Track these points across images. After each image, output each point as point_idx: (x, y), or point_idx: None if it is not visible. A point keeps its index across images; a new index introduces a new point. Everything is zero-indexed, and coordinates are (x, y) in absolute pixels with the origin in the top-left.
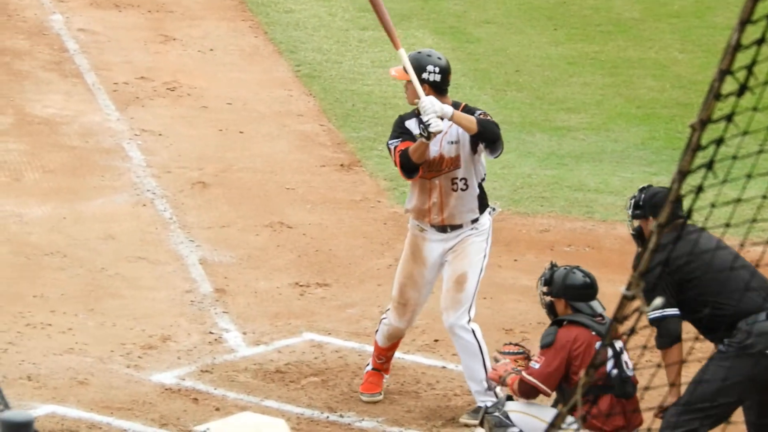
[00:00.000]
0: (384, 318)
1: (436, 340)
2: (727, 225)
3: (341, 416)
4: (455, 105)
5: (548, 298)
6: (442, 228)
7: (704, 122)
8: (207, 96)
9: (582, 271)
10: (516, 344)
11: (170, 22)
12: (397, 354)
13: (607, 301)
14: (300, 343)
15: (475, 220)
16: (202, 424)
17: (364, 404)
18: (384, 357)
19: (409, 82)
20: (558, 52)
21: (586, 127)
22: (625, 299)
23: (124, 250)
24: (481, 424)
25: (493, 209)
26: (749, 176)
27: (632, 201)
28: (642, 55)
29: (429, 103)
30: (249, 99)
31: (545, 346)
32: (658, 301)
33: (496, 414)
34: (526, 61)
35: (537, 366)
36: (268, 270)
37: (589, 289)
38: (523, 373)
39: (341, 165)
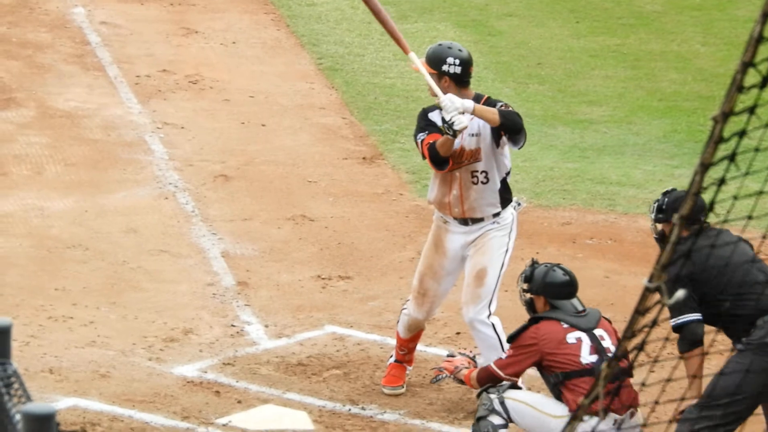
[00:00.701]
0: (404, 308)
1: (458, 333)
2: (750, 217)
3: (363, 409)
4: (477, 97)
5: (528, 296)
6: (464, 221)
7: (726, 114)
8: (229, 89)
9: (562, 268)
10: (470, 351)
11: (192, 15)
12: (420, 346)
13: (629, 293)
14: (322, 336)
15: (496, 214)
16: (224, 417)
17: (385, 397)
18: (406, 348)
19: (432, 74)
20: (580, 44)
21: (608, 120)
22: (648, 291)
23: (145, 243)
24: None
25: (519, 204)
26: None
27: (656, 205)
28: (664, 48)
29: (449, 101)
30: (271, 92)
31: (509, 341)
32: (681, 293)
33: (493, 396)
34: (548, 54)
35: (503, 357)
36: (290, 263)
37: (568, 287)
38: (491, 364)
39: (363, 158)
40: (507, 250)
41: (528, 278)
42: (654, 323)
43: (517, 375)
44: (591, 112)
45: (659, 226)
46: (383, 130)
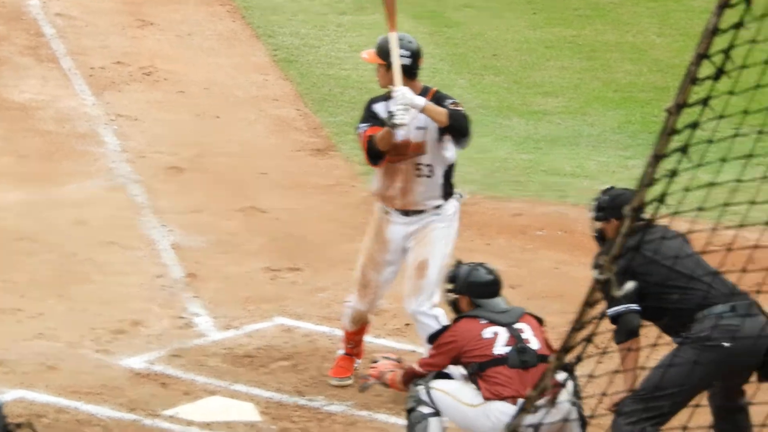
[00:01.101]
0: (348, 302)
1: (406, 324)
2: (700, 209)
3: (310, 400)
4: (425, 90)
5: (452, 296)
6: (405, 212)
7: (680, 106)
8: (184, 81)
9: (486, 267)
10: (394, 353)
11: (148, 7)
12: (368, 338)
13: (579, 285)
14: (270, 328)
15: (438, 207)
16: (170, 409)
17: (333, 388)
18: (353, 341)
19: (381, 65)
20: (536, 36)
21: (563, 111)
22: (597, 283)
23: (95, 235)
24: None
25: (461, 196)
26: (724, 160)
27: (595, 204)
28: (619, 39)
29: (401, 95)
30: (226, 84)
31: (430, 341)
32: (630, 284)
33: (420, 388)
34: (504, 46)
35: (427, 357)
36: (239, 255)
37: (492, 286)
38: (414, 364)
39: (317, 150)
40: (449, 242)
41: (452, 278)
42: (603, 315)
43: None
44: (546, 103)
45: (598, 224)
46: (337, 121)
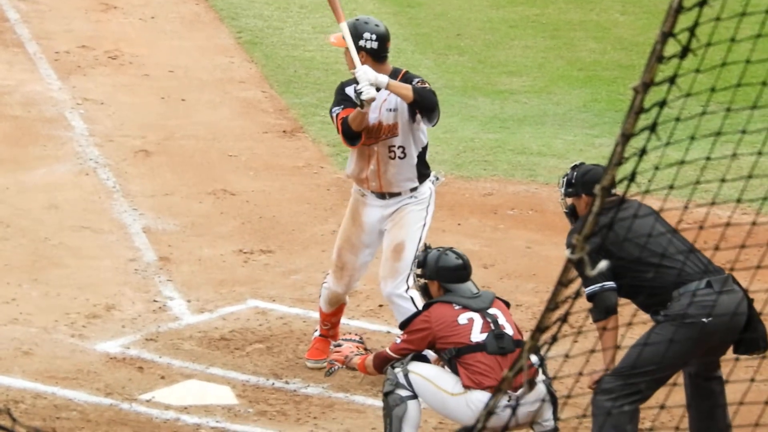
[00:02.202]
0: (324, 283)
1: (380, 306)
2: (671, 187)
3: (287, 383)
4: (395, 72)
5: (422, 281)
6: (381, 195)
7: (647, 85)
8: (148, 64)
9: (455, 252)
10: (355, 334)
11: None
12: (342, 320)
13: (551, 264)
14: (244, 310)
15: (414, 189)
16: (147, 393)
17: (309, 371)
18: (329, 323)
19: (348, 49)
20: (499, 15)
21: (528, 90)
22: (570, 263)
23: (67, 219)
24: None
25: (437, 178)
26: (693, 138)
27: (564, 179)
28: (583, 18)
29: (363, 73)
30: (190, 66)
31: (402, 327)
32: (603, 263)
33: (397, 370)
34: (468, 25)
35: (398, 341)
36: (211, 237)
37: (462, 271)
38: (387, 349)
39: (284, 131)
40: (425, 224)
41: (421, 263)
42: (577, 294)
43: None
44: (511, 83)
45: (569, 201)
46: (303, 103)
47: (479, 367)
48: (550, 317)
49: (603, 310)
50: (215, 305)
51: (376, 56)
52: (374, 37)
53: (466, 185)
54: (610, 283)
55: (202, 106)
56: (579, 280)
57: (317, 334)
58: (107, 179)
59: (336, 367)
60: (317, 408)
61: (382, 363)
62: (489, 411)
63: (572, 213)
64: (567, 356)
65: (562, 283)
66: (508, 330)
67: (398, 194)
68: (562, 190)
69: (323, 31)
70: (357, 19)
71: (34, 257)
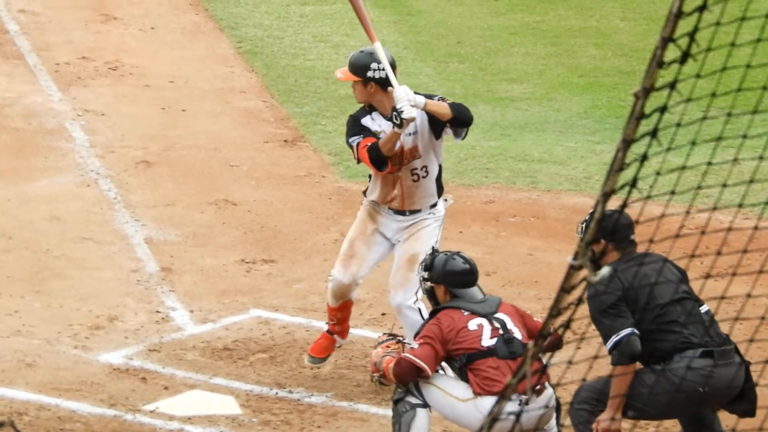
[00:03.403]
0: (330, 277)
1: (383, 314)
2: (673, 192)
3: (290, 392)
4: None
5: (428, 284)
6: (401, 212)
7: (647, 90)
8: (149, 74)
9: (462, 257)
10: (389, 334)
11: (111, 1)
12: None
13: (553, 271)
14: (247, 320)
15: (433, 205)
16: (151, 403)
17: (313, 379)
18: (334, 318)
19: (357, 82)
20: (499, 22)
21: (529, 97)
22: (572, 269)
23: (69, 230)
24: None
25: (446, 200)
26: (694, 143)
27: (583, 225)
28: (583, 24)
29: (403, 92)
30: (191, 76)
31: (416, 336)
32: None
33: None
34: (468, 33)
35: (416, 347)
36: (213, 247)
37: (469, 276)
38: (404, 353)
39: (285, 141)
40: (437, 241)
41: (428, 267)
42: (579, 301)
43: (433, 367)
44: (512, 90)
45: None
46: (304, 112)
47: (489, 373)
48: (553, 324)
49: (628, 356)
50: (218, 315)
51: (385, 85)
52: (381, 66)
53: (467, 193)
54: (633, 329)
55: (202, 116)
56: (581, 287)
57: (326, 329)
58: (108, 190)
59: (374, 377)
60: (321, 417)
61: (405, 372)
62: (493, 417)
63: (591, 259)
64: (570, 362)
65: (565, 289)
66: (517, 334)
67: (418, 211)
68: (581, 236)
69: (323, 40)
70: (361, 52)
71: (37, 269)
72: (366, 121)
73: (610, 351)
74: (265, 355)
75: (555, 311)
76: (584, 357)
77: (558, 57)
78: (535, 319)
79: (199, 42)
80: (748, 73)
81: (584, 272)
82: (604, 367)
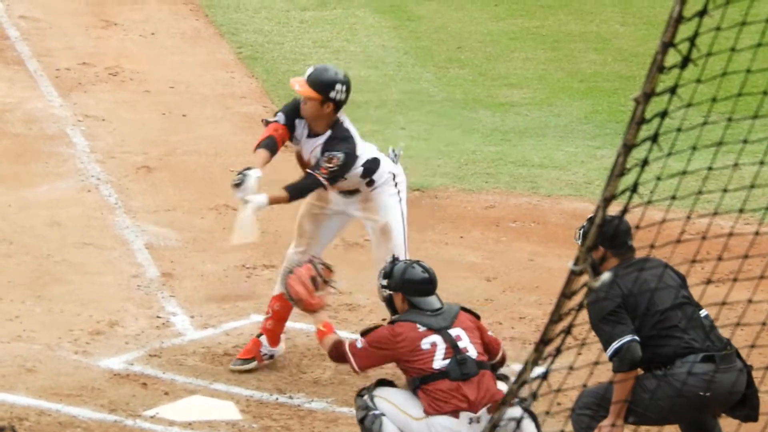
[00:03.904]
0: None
1: (384, 320)
2: (673, 197)
3: (290, 398)
4: (336, 122)
5: (387, 292)
6: (341, 193)
7: (648, 95)
8: (149, 80)
9: (422, 265)
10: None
11: (111, 7)
12: (344, 334)
13: (554, 276)
14: (248, 325)
15: (369, 183)
16: (151, 409)
17: (313, 385)
18: (271, 310)
19: (313, 99)
20: (499, 27)
21: (529, 103)
22: (573, 274)
23: (70, 236)
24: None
25: (395, 154)
26: (694, 148)
27: (581, 231)
28: (583, 29)
29: (250, 186)
30: (192, 82)
31: (363, 334)
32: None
33: (365, 397)
34: (468, 38)
35: (360, 345)
36: (214, 253)
37: (427, 285)
38: (347, 345)
39: (285, 146)
40: (400, 200)
41: (387, 274)
42: (581, 306)
43: (364, 369)
44: (512, 95)
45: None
46: None
47: (439, 395)
48: (553, 329)
49: (629, 363)
50: (218, 320)
51: (341, 106)
52: (344, 88)
53: (467, 198)
54: (634, 336)
55: (203, 121)
56: (582, 292)
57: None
58: (109, 195)
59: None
60: (321, 423)
61: (338, 356)
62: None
63: (590, 266)
64: (571, 368)
65: (566, 295)
66: (472, 352)
67: (356, 191)
68: (579, 242)
69: (323, 46)
70: (326, 69)
71: (37, 274)
72: (299, 122)
73: (611, 358)
74: (265, 361)
75: (556, 317)
76: (585, 363)
77: (558, 62)
78: (489, 333)
79: (200, 47)
80: (748, 78)
81: (585, 278)
82: (605, 372)
